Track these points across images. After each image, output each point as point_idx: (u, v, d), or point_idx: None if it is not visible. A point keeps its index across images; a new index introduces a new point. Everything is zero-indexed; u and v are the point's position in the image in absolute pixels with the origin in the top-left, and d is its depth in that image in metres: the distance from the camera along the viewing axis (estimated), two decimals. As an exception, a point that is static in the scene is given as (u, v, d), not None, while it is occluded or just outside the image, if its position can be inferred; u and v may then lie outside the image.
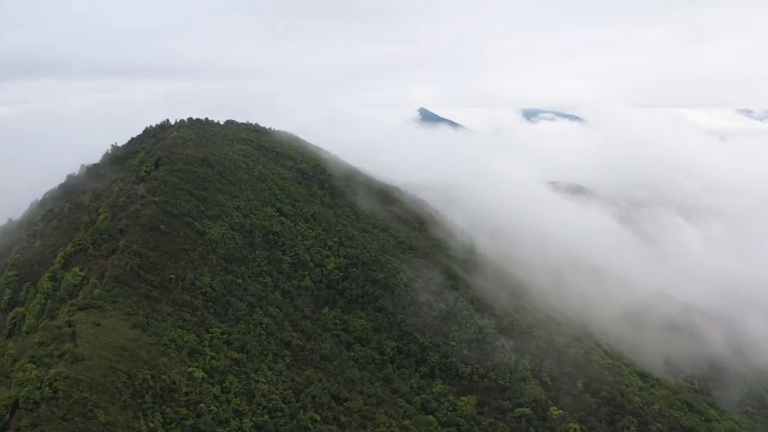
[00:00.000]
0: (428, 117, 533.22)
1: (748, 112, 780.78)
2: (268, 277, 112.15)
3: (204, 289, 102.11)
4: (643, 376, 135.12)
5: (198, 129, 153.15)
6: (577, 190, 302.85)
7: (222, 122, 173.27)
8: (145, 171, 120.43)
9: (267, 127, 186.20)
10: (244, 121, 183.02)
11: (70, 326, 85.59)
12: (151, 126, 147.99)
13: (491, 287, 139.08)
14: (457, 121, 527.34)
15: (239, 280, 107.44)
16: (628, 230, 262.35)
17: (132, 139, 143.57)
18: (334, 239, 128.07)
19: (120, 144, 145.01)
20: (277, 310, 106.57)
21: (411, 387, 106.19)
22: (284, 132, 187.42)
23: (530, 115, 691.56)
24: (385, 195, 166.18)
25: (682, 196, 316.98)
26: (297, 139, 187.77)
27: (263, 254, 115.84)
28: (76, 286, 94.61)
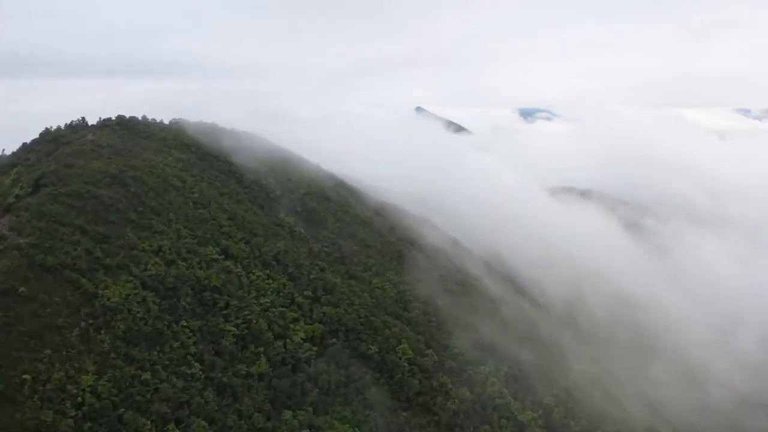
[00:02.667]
0: (425, 116, 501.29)
1: (746, 112, 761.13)
2: (197, 365, 71.61)
3: (81, 398, 61.66)
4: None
5: (126, 131, 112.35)
6: (579, 195, 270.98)
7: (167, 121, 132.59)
8: (16, 196, 79.60)
9: (229, 128, 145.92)
10: (201, 121, 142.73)
11: None
12: (51, 127, 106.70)
13: (529, 355, 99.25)
14: (454, 120, 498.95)
15: (145, 375, 66.90)
16: (641, 242, 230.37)
17: (24, 144, 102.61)
18: (307, 293, 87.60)
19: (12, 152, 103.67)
20: (206, 425, 66.11)
21: None
22: (249, 134, 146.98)
23: (527, 114, 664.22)
24: (382, 218, 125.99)
25: (686, 199, 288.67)
26: (267, 143, 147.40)
27: (193, 325, 75.28)
28: None
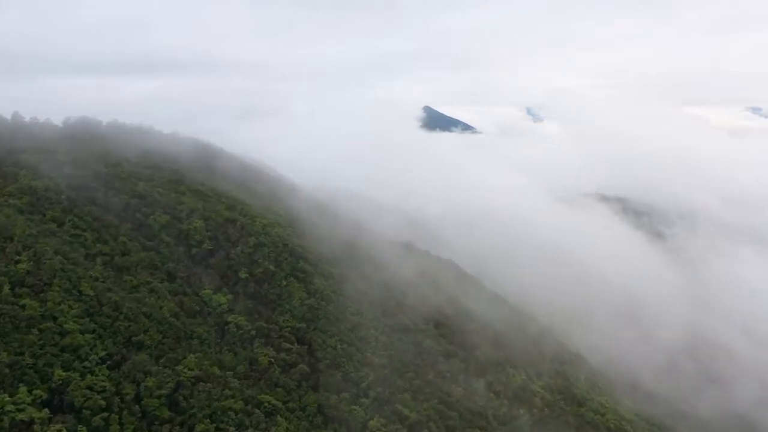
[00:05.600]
0: (433, 116, 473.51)
1: (756, 110, 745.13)
2: None
3: None
4: None
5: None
6: (586, 197, 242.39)
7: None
8: None
9: (170, 132, 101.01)
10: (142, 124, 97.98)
11: None
12: None
13: None
14: (463, 120, 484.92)
15: None
16: (669, 256, 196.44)
17: None
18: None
19: None
20: None
21: None
22: (200, 141, 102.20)
23: (535, 113, 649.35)
24: (386, 276, 79.57)
25: (701, 202, 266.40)
26: (225, 156, 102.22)
27: None
28: None
